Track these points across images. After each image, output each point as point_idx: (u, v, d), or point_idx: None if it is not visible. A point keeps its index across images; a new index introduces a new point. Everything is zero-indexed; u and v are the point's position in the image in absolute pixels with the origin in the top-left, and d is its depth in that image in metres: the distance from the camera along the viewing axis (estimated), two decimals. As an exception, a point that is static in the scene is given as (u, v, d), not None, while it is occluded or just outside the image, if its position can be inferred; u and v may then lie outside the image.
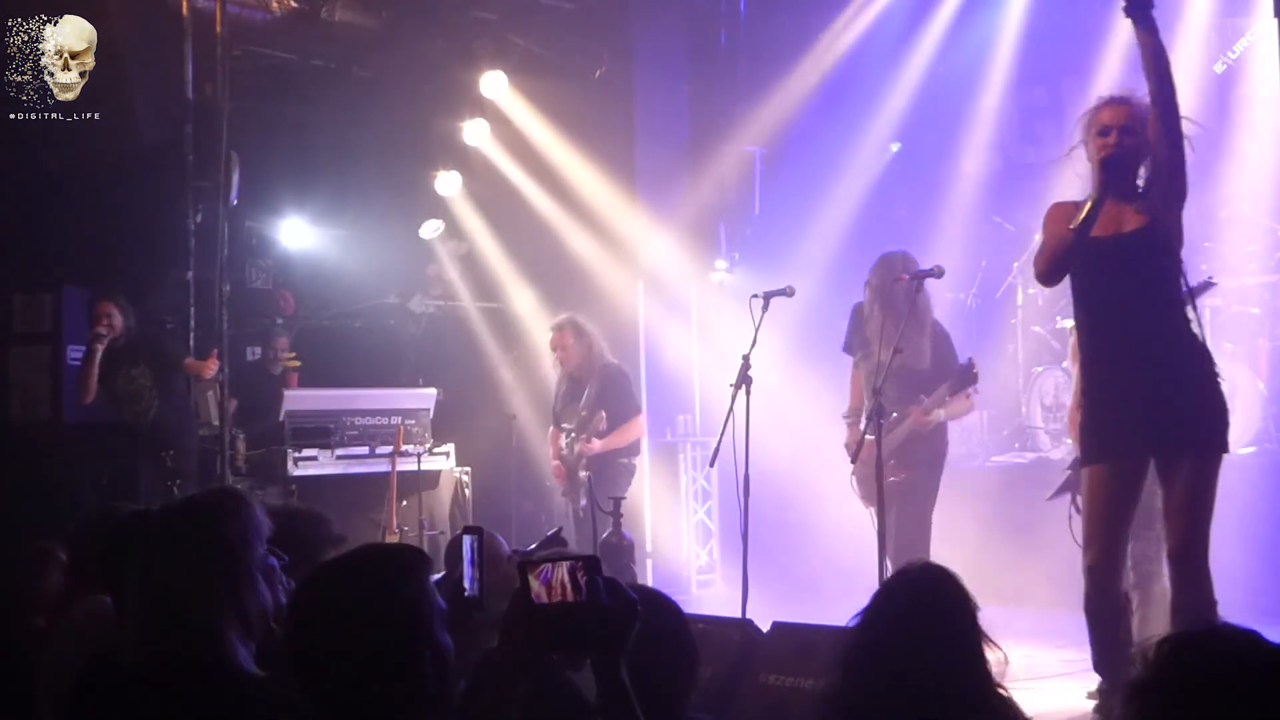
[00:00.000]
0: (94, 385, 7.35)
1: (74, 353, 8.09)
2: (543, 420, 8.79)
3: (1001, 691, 2.44)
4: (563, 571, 2.05)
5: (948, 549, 6.09)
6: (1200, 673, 1.60)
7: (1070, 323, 5.93)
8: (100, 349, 7.30)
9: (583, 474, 7.19)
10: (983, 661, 2.42)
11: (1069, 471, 5.61)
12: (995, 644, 2.45)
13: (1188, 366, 4.02)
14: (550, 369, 7.65)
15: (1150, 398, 4.01)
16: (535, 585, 2.04)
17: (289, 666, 2.01)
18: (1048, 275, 4.29)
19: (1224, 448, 4.03)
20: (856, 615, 2.51)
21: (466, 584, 2.50)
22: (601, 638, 2.08)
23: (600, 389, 7.31)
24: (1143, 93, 4.17)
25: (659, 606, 2.98)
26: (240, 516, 2.41)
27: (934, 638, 2.40)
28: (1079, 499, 5.49)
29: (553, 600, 2.04)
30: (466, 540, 2.55)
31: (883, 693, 2.38)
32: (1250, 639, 1.65)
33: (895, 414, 5.81)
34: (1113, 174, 4.02)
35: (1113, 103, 4.18)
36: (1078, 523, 5.52)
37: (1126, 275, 4.06)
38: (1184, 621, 3.95)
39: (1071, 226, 4.10)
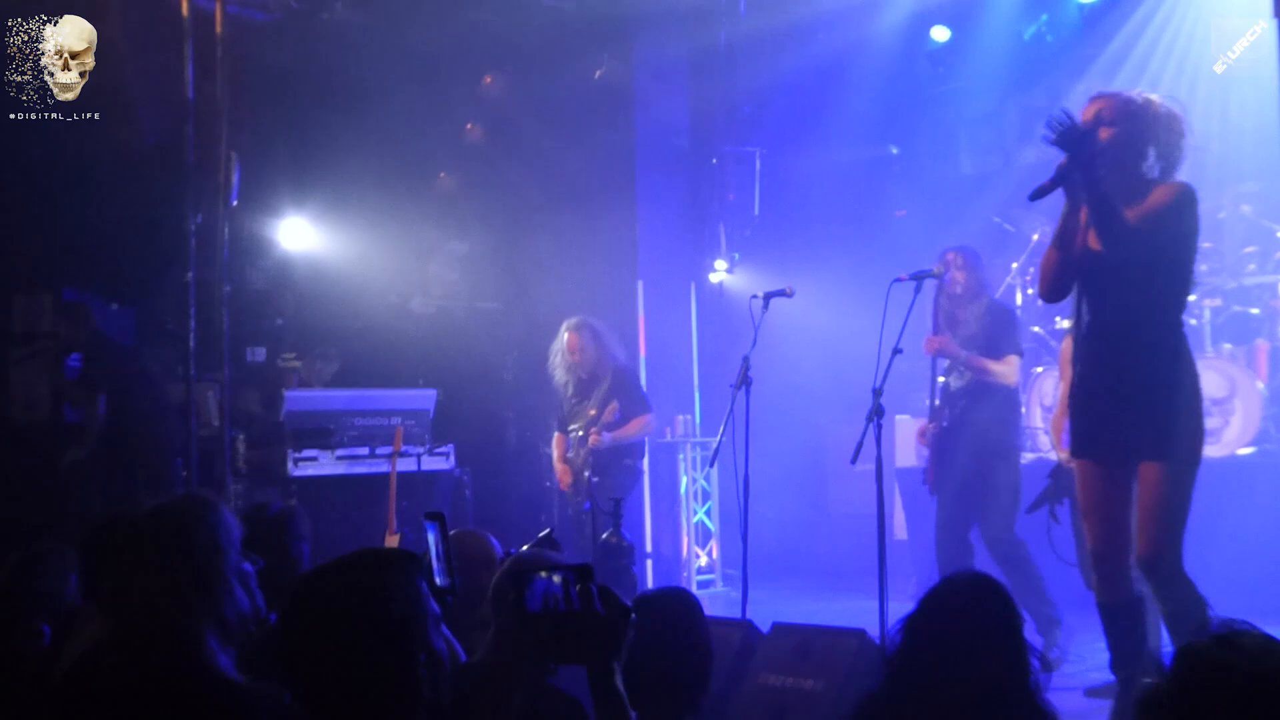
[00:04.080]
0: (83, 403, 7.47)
1: (74, 354, 8.08)
2: (543, 420, 8.78)
3: (1042, 705, 2.43)
4: (556, 581, 2.05)
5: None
6: (1215, 684, 1.57)
7: (1068, 323, 5.95)
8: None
9: (586, 475, 7.20)
10: (1027, 674, 2.41)
11: (1049, 481, 5.63)
12: (1040, 656, 2.45)
13: (1157, 382, 3.99)
14: (556, 370, 7.62)
15: (1120, 409, 4.03)
16: (529, 595, 2.04)
17: (282, 670, 2.00)
18: (1042, 292, 4.35)
19: (1184, 461, 3.98)
20: (900, 620, 2.50)
21: (435, 575, 2.48)
22: (596, 646, 2.08)
23: (611, 387, 7.32)
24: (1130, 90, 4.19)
25: (687, 607, 3.00)
26: (209, 523, 2.39)
27: (979, 648, 2.39)
28: (1056, 509, 5.54)
29: (546, 610, 2.04)
30: (429, 528, 2.54)
31: (925, 700, 2.37)
32: (1268, 646, 1.61)
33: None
34: (1060, 182, 4.01)
35: (1092, 100, 4.18)
36: (1055, 532, 5.58)
37: (1109, 289, 4.06)
38: (1175, 630, 3.96)
39: (1051, 242, 4.14)
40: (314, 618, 1.98)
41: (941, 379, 6.26)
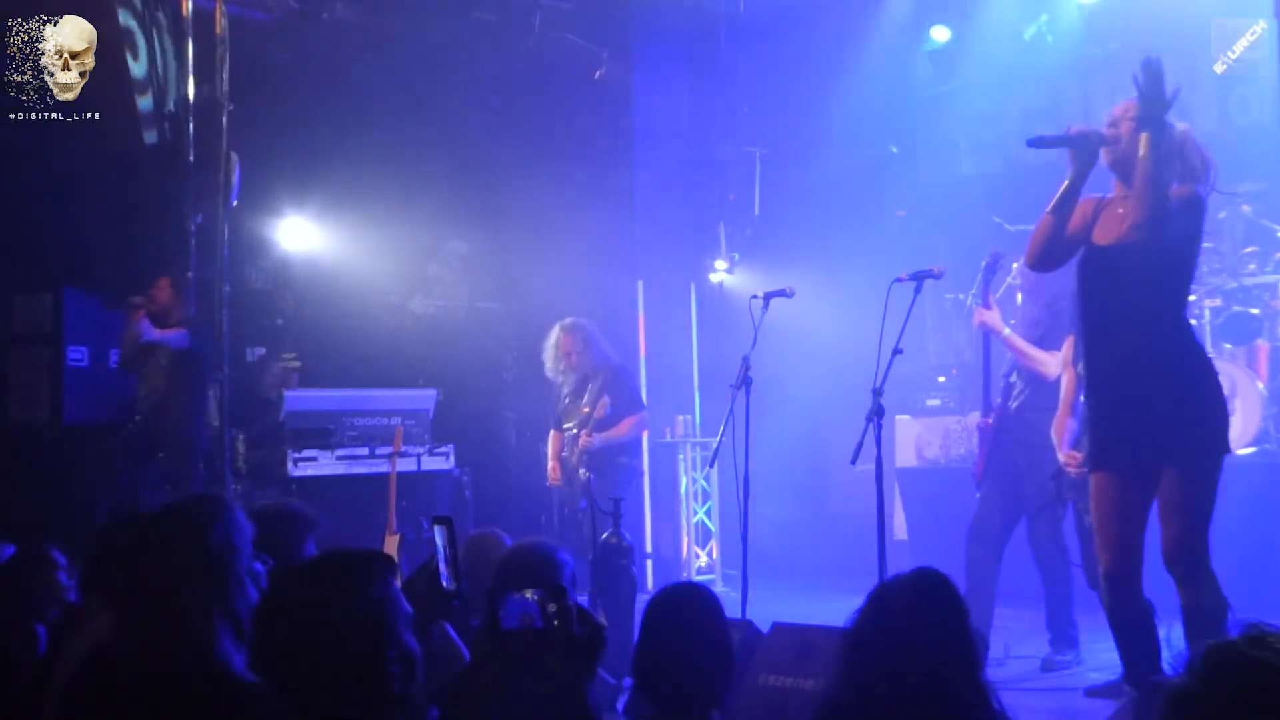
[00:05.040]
0: (125, 354, 7.51)
1: (74, 354, 8.08)
2: (543, 420, 8.79)
3: (991, 697, 2.44)
4: (531, 599, 2.08)
5: (949, 548, 6.11)
6: (1248, 684, 1.57)
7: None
8: (133, 316, 7.42)
9: (582, 473, 7.20)
10: (975, 666, 2.43)
11: (1051, 483, 5.63)
12: (987, 647, 2.47)
13: (1180, 376, 4.01)
14: (550, 369, 7.63)
15: (1144, 409, 4.02)
16: (504, 613, 2.07)
17: (257, 664, 2.07)
18: (1029, 259, 4.35)
19: (1215, 453, 4.01)
20: (851, 617, 2.52)
21: (443, 579, 2.50)
22: (570, 665, 2.10)
23: (603, 384, 7.33)
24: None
25: (708, 602, 3.01)
26: (223, 521, 2.42)
27: (926, 641, 2.41)
28: (1059, 511, 5.54)
29: (522, 627, 2.07)
30: (438, 532, 2.55)
31: (875, 695, 2.39)
32: None
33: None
34: (1078, 150, 4.05)
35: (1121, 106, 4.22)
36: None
37: (1125, 284, 4.07)
38: (1194, 626, 3.96)
39: (1048, 208, 4.15)
40: (285, 614, 2.04)
41: (1011, 379, 6.21)
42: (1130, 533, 4.07)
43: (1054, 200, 4.15)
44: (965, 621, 2.46)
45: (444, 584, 2.49)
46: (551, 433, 7.66)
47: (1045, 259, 4.30)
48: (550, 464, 7.59)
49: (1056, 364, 5.93)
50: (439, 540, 2.53)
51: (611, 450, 7.29)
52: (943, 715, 2.36)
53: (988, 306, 6.11)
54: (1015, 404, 6.08)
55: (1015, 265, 6.23)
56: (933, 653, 2.39)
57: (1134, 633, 4.12)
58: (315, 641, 1.99)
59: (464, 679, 2.48)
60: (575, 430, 7.34)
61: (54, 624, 3.55)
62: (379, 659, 2.00)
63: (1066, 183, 4.12)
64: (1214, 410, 4.06)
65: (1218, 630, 3.83)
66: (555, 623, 2.09)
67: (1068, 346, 5.72)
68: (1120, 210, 4.16)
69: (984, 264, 6.19)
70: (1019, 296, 6.33)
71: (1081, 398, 5.51)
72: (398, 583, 2.12)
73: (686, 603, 2.99)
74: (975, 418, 6.25)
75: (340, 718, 1.99)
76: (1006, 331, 6.01)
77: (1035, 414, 5.98)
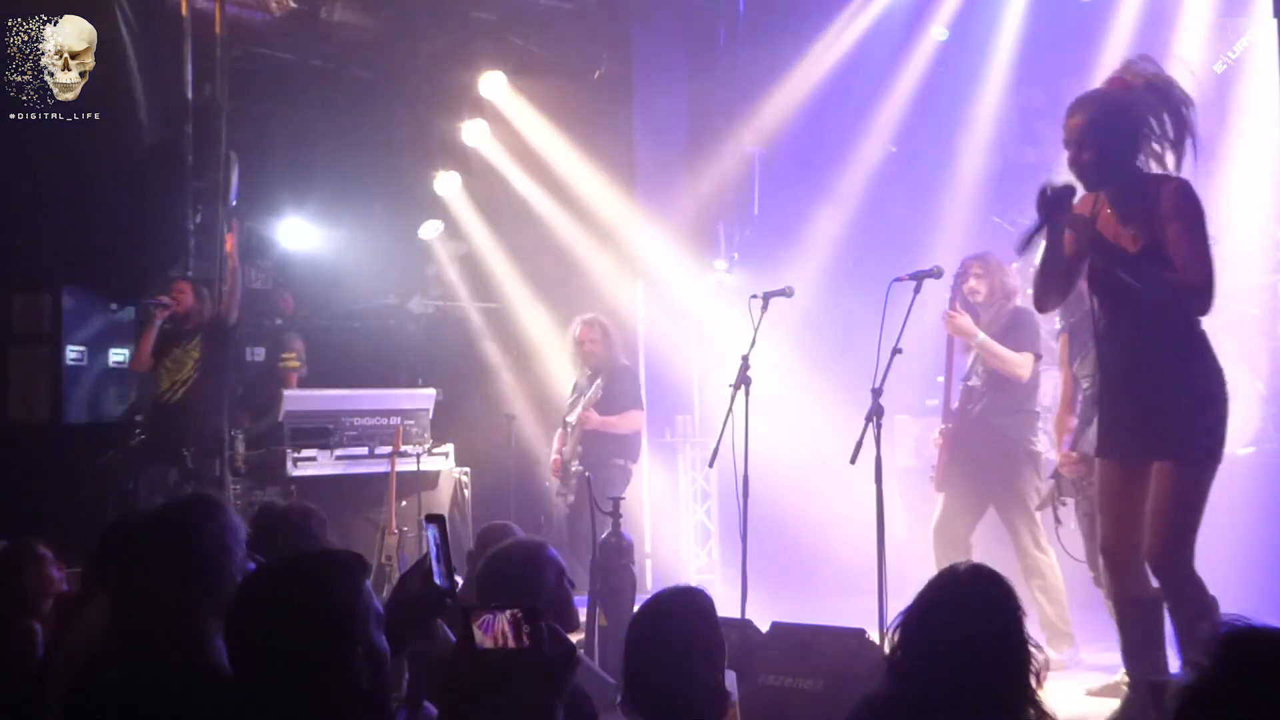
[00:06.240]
0: (146, 354, 7.46)
1: (73, 353, 8.08)
2: (542, 420, 8.80)
3: (1041, 698, 2.43)
4: (504, 619, 2.11)
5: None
6: (1270, 673, 1.57)
7: (1060, 321, 5.92)
8: (157, 318, 7.41)
9: (575, 467, 7.22)
10: (1026, 663, 2.42)
11: (1050, 481, 5.64)
12: (1039, 648, 2.44)
13: (1169, 378, 3.98)
14: (566, 367, 7.66)
15: (1135, 409, 4.03)
16: (478, 632, 2.10)
17: (230, 658, 2.11)
18: (1038, 303, 4.38)
19: (1204, 461, 3.97)
20: (900, 615, 2.50)
21: (435, 577, 2.51)
22: (540, 684, 2.12)
23: (606, 383, 7.37)
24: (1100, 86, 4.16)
25: (698, 607, 3.00)
26: (217, 521, 2.44)
27: (977, 637, 2.39)
28: (1059, 510, 5.56)
29: (495, 647, 2.10)
30: (429, 530, 2.56)
31: (923, 691, 2.37)
32: None
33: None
34: (1046, 207, 4.00)
35: (1069, 113, 4.11)
36: (1063, 532, 5.61)
37: (1123, 290, 4.04)
38: (1182, 628, 3.96)
39: (1039, 265, 4.22)
40: (254, 612, 2.08)
41: (969, 383, 6.23)
42: (1127, 508, 4.07)
43: (1041, 260, 4.19)
44: (1020, 618, 2.45)
45: (437, 582, 2.50)
46: (559, 430, 7.69)
47: (1053, 300, 4.34)
48: (554, 459, 7.62)
49: (1029, 366, 5.97)
50: (431, 538, 2.54)
51: (608, 450, 7.30)
52: (986, 706, 2.35)
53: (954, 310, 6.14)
54: (977, 408, 6.10)
55: (1014, 266, 6.19)
56: (988, 649, 2.38)
57: (1135, 609, 4.10)
58: (282, 639, 2.03)
59: (440, 693, 2.50)
60: (574, 421, 7.41)
61: (49, 618, 3.55)
62: (347, 657, 2.04)
63: (1048, 245, 4.12)
64: (1200, 418, 3.99)
65: (1209, 630, 3.81)
66: (528, 642, 2.11)
67: (1063, 345, 5.73)
68: (1110, 211, 4.14)
69: (956, 273, 6.20)
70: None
71: (1081, 394, 5.53)
72: (368, 582, 2.16)
73: (673, 611, 2.96)
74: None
75: (308, 715, 2.02)
76: (981, 336, 6.02)
77: (998, 417, 6.02)
